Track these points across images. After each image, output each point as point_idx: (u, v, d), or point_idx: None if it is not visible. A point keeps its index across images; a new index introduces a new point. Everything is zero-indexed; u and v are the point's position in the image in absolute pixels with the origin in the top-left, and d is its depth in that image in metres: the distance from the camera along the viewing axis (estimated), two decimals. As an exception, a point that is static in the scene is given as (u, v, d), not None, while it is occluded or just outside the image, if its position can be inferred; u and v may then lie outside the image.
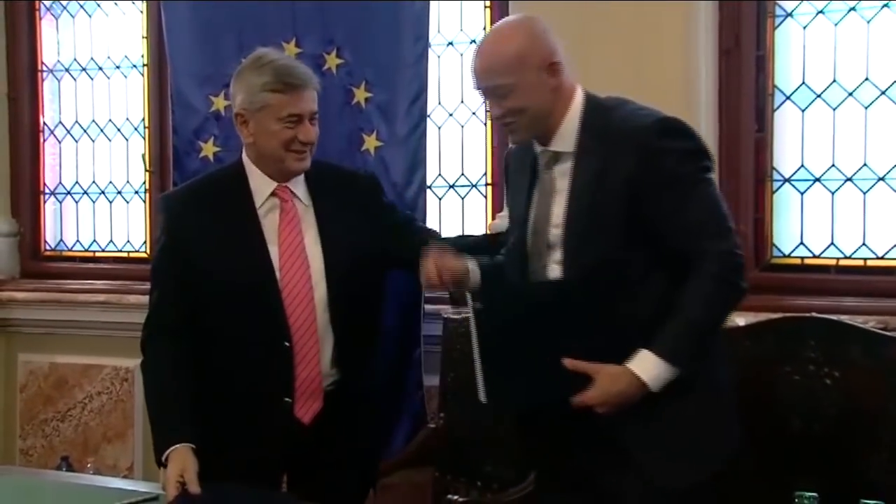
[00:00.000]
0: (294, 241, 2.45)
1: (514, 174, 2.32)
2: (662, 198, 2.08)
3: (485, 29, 3.44)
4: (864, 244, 2.97)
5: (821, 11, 2.99)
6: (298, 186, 2.48)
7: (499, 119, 2.20)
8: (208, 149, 3.51)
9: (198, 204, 2.49)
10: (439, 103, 3.54)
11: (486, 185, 3.49)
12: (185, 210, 2.49)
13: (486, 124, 3.48)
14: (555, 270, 2.16)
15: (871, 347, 2.53)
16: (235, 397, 2.42)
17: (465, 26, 3.52)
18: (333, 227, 2.47)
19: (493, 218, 3.36)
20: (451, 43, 3.53)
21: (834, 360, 2.54)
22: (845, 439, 2.50)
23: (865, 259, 2.97)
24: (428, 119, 3.36)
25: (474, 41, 3.48)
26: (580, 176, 2.14)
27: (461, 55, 3.52)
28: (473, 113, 3.51)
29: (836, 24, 2.98)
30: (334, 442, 2.45)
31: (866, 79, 2.95)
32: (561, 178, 2.18)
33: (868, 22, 2.94)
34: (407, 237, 2.50)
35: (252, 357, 2.42)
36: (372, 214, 2.51)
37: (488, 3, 3.45)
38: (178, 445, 2.26)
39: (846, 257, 2.99)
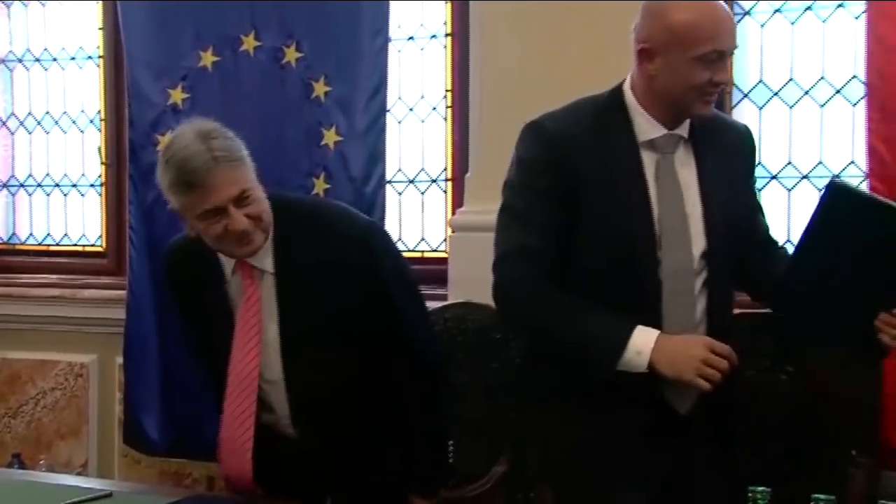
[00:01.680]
0: (249, 328, 2.22)
1: (594, 159, 2.04)
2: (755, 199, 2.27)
3: (445, 24, 3.44)
4: (819, 241, 3.00)
5: (778, 10, 3.02)
6: (265, 256, 2.20)
7: (723, 84, 2.03)
8: (165, 142, 3.46)
9: (188, 264, 2.29)
10: (399, 98, 3.52)
11: (447, 180, 3.48)
12: (177, 268, 2.35)
13: (446, 119, 3.47)
14: (698, 262, 2.07)
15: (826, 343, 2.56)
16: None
17: (426, 21, 3.50)
18: (298, 306, 2.20)
19: (453, 213, 3.35)
20: (411, 37, 3.52)
21: (789, 356, 2.57)
22: (799, 434, 2.52)
23: (821, 255, 3.01)
24: (388, 114, 3.35)
25: (434, 36, 3.48)
26: (708, 169, 2.08)
27: (422, 50, 3.51)
28: (434, 108, 3.50)
29: (792, 24, 3.01)
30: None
31: (822, 77, 2.98)
32: (683, 168, 2.07)
33: (824, 21, 2.98)
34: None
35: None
36: (353, 286, 2.19)
37: (449, -2, 3.46)
38: None
39: (803, 253, 3.02)
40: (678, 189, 2.06)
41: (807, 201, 3.01)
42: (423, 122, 3.53)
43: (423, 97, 3.52)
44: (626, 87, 2.09)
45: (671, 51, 1.98)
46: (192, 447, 3.41)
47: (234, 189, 2.07)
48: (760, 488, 1.79)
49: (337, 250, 2.19)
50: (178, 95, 3.43)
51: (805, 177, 3.01)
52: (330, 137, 3.29)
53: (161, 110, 3.46)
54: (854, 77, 2.94)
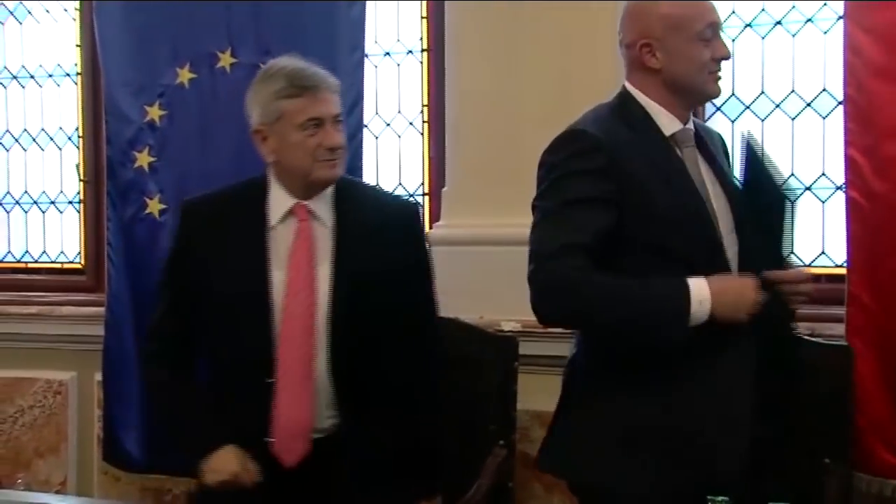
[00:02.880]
0: (304, 269, 2.25)
1: (639, 160, 2.08)
2: None
3: (421, 39, 3.47)
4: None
5: (749, 25, 3.06)
6: (322, 205, 2.29)
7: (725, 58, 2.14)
8: (143, 159, 3.47)
9: (213, 214, 2.34)
10: (377, 113, 3.55)
11: (424, 194, 3.50)
12: (199, 218, 2.35)
13: (422, 134, 3.50)
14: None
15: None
16: (218, 428, 2.29)
17: (402, 36, 3.53)
18: (352, 256, 2.26)
19: (431, 227, 3.37)
20: (388, 53, 3.55)
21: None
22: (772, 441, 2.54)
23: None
24: (365, 129, 3.37)
25: (411, 52, 3.51)
26: (719, 166, 2.18)
27: (398, 65, 3.54)
28: (410, 123, 3.53)
29: (763, 38, 3.05)
30: (328, 490, 2.29)
31: (793, 91, 3.02)
32: (696, 160, 2.15)
33: (793, 35, 3.02)
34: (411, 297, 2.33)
35: (234, 388, 2.28)
36: (400, 250, 2.30)
37: (425, 14, 3.47)
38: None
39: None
40: (703, 178, 2.14)
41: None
42: (399, 137, 3.55)
43: (399, 112, 3.55)
44: (633, 90, 2.14)
45: (670, 37, 2.08)
46: (172, 463, 3.41)
47: (336, 108, 2.26)
48: (720, 498, 1.76)
49: (390, 213, 2.35)
50: (155, 112, 3.44)
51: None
52: (308, 153, 3.30)
53: (138, 127, 3.47)
54: (824, 90, 2.98)
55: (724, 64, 2.14)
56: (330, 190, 2.28)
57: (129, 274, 3.49)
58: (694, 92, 2.12)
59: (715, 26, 2.10)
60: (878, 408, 2.68)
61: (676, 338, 2.01)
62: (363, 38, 3.28)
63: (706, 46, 2.08)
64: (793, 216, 2.14)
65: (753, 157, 2.11)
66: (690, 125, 2.16)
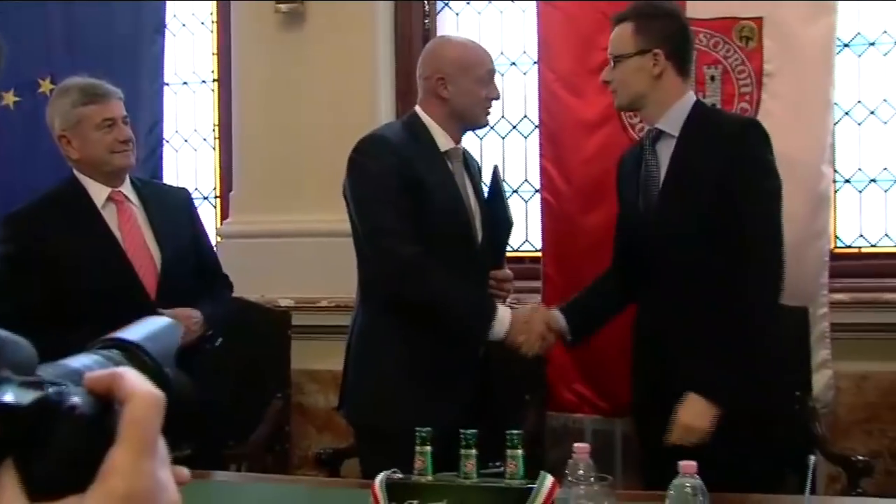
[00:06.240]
0: (136, 236, 2.67)
1: (421, 165, 2.53)
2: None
3: (213, 72, 4.12)
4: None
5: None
6: (129, 192, 2.73)
7: (496, 98, 2.65)
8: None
9: (42, 218, 2.66)
10: (177, 131, 4.14)
11: (216, 197, 4.09)
12: (31, 225, 2.66)
13: (214, 149, 4.10)
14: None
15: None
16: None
17: (197, 68, 4.15)
18: (164, 229, 2.72)
19: (221, 224, 3.97)
20: (185, 82, 4.15)
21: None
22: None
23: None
24: (167, 144, 3.95)
25: (204, 81, 4.14)
26: (474, 179, 2.72)
27: (194, 93, 4.16)
28: (204, 139, 4.14)
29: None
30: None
31: (503, 116, 3.83)
32: (462, 173, 2.63)
33: (503, 75, 3.79)
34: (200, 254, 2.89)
35: None
36: (189, 221, 2.85)
37: (215, 51, 4.09)
38: None
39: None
40: (466, 186, 2.61)
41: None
42: (195, 151, 4.15)
43: (195, 131, 4.15)
44: (421, 112, 2.58)
45: (459, 76, 2.54)
46: None
47: (122, 111, 2.72)
48: (470, 431, 1.87)
49: (174, 196, 2.89)
50: None
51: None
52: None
53: None
54: (525, 117, 3.82)
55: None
56: (127, 182, 2.76)
57: None
58: (471, 121, 2.59)
59: (491, 73, 2.59)
60: (562, 360, 3.47)
61: (476, 343, 2.58)
62: (162, 70, 3.85)
63: (484, 87, 2.54)
64: (510, 233, 2.89)
65: (497, 185, 2.84)
66: (461, 146, 2.63)
